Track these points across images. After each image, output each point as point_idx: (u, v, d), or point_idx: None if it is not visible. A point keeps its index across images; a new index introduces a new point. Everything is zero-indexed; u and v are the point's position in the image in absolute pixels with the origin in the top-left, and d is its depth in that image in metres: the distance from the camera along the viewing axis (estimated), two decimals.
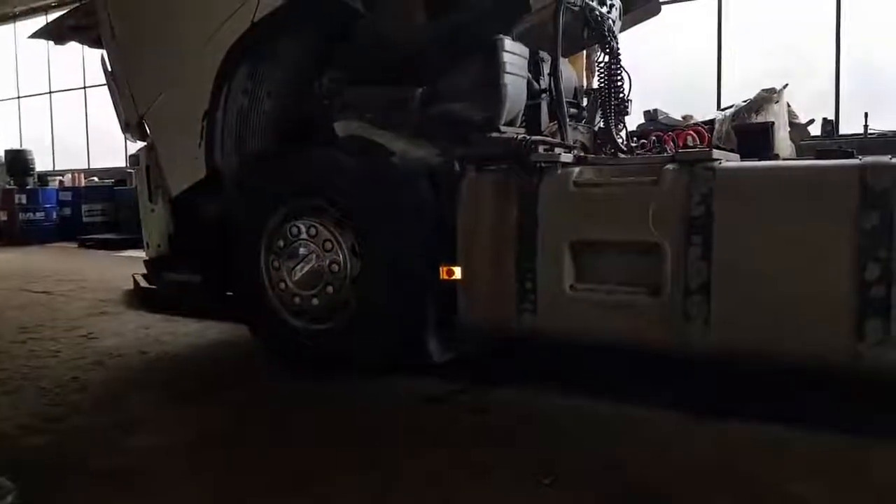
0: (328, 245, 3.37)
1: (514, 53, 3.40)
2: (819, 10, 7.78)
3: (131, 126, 4.19)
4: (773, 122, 3.81)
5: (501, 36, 3.34)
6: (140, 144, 4.38)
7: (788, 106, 4.46)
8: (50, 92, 15.80)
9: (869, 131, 6.89)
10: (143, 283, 5.38)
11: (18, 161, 11.33)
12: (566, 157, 3.10)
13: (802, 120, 5.02)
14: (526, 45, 3.56)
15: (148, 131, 4.14)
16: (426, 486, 2.25)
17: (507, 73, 3.34)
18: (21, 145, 13.11)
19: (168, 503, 2.19)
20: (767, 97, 4.15)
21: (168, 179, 4.05)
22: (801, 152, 4.26)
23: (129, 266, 6.70)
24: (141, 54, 4.10)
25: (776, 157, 3.54)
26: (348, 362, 3.34)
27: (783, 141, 4.03)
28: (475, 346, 3.39)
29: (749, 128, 3.83)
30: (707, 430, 2.63)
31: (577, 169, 3.04)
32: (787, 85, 4.29)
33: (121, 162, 12.61)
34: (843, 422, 2.56)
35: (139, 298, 5.42)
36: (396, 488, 2.24)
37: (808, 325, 2.54)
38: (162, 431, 2.79)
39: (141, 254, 7.11)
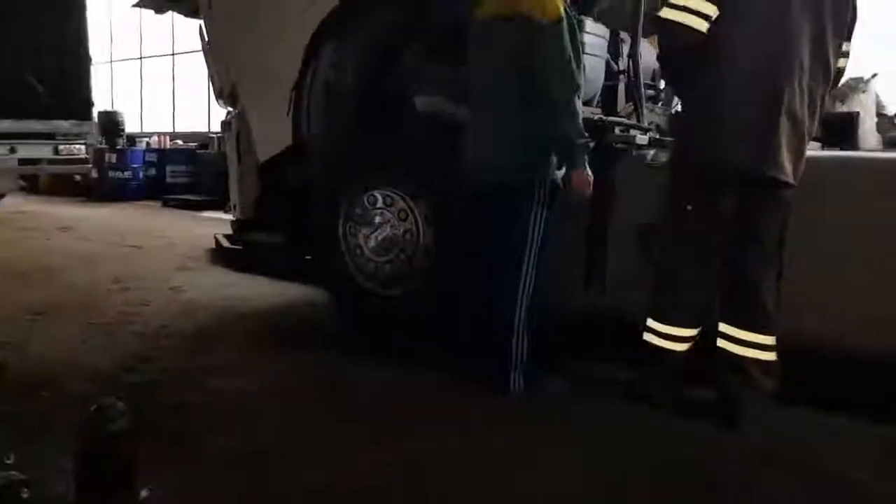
0: (403, 214, 3.52)
1: (593, 34, 3.42)
2: None
3: (224, 94, 4.43)
4: (858, 112, 3.70)
5: (581, 16, 3.37)
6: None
7: (877, 96, 4.28)
8: (141, 57, 16.49)
9: None
10: (225, 243, 5.65)
11: (110, 122, 11.88)
12: (641, 139, 3.14)
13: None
14: (606, 25, 3.58)
15: (240, 100, 4.38)
16: (476, 453, 2.38)
17: (586, 53, 3.36)
18: (112, 107, 13.77)
19: (246, 435, 2.45)
20: (854, 86, 4.01)
21: (257, 146, 4.28)
22: (889, 144, 4.11)
23: (209, 226, 7.05)
24: (235, 26, 4.32)
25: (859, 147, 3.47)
26: (416, 328, 3.46)
27: (869, 132, 3.90)
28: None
29: (833, 117, 3.71)
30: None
31: (651, 151, 3.07)
32: (875, 74, 4.12)
33: (204, 127, 13.13)
34: None
35: (221, 257, 5.69)
36: (443, 455, 2.34)
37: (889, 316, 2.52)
38: (242, 376, 3.04)
39: (220, 215, 7.44)
